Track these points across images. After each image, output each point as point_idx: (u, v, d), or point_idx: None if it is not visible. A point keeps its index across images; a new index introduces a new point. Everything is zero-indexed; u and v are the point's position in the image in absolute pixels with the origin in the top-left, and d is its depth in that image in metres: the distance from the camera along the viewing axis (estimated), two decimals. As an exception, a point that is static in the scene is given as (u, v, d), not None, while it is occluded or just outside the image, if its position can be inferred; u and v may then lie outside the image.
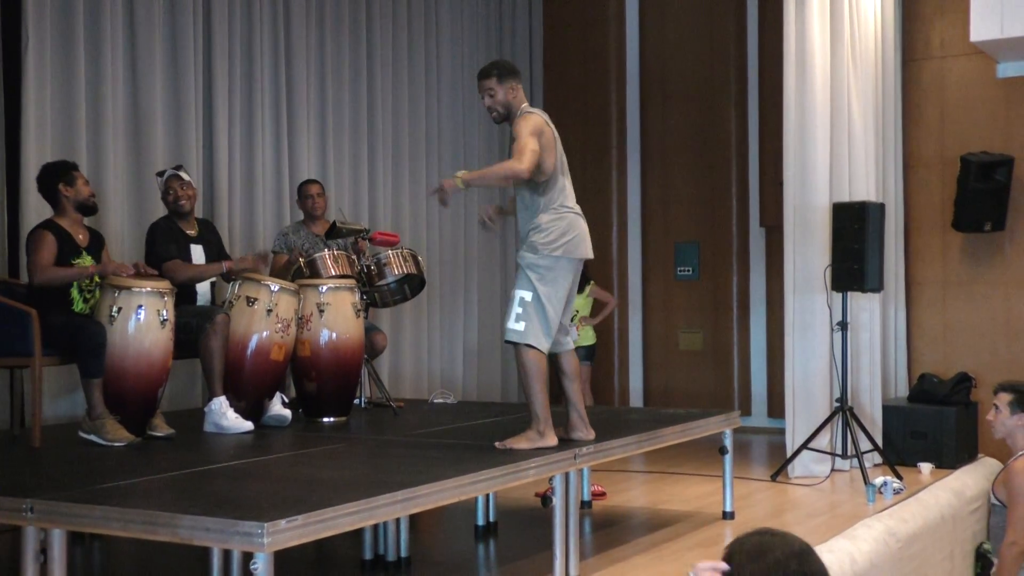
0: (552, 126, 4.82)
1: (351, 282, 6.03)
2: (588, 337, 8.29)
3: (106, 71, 6.47)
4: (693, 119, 9.71)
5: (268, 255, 6.33)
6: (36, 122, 6.08)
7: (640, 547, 5.32)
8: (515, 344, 4.71)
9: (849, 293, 6.99)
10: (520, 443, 4.70)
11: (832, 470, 6.95)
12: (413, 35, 8.80)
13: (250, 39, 7.41)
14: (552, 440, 4.76)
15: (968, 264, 8.19)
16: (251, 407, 5.51)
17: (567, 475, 4.63)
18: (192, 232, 5.92)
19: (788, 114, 7.09)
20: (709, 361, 9.61)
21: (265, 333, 5.53)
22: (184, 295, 5.61)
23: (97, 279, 5.22)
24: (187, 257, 5.82)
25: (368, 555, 4.95)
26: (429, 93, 8.96)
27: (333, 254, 6.15)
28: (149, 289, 5.05)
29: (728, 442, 5.88)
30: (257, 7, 7.44)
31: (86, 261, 5.25)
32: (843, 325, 6.93)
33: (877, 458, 7.14)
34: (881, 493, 6.28)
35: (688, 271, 9.74)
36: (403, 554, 4.98)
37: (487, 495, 5.58)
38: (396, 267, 6.47)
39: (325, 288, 5.86)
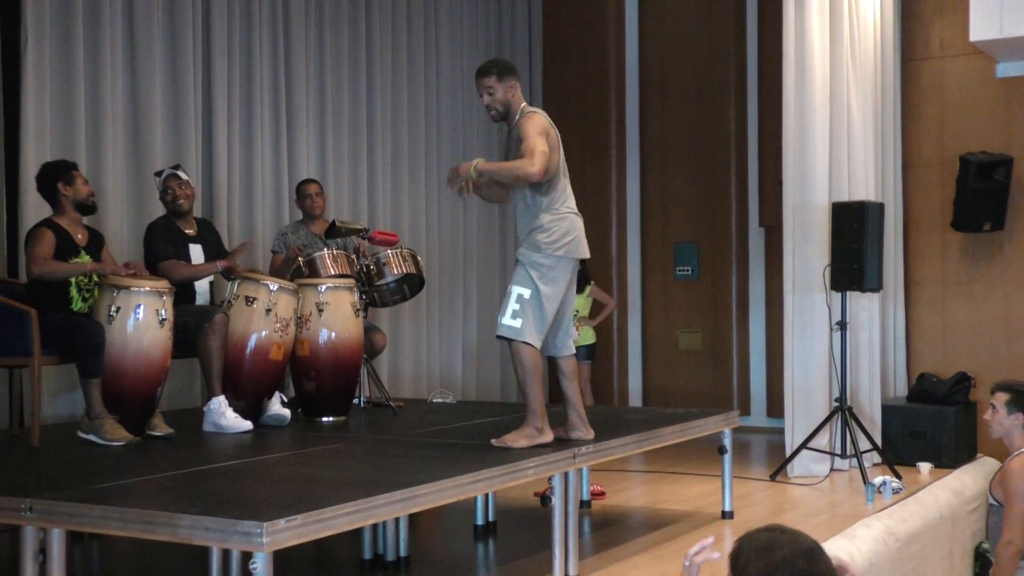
0: (554, 126, 4.83)
1: (350, 282, 6.03)
2: (588, 337, 8.31)
3: (105, 71, 6.47)
4: (692, 119, 9.70)
5: (251, 242, 6.29)
6: (35, 122, 6.08)
7: (639, 547, 5.32)
8: (510, 340, 4.72)
9: (848, 293, 6.99)
10: (517, 440, 4.70)
11: (831, 470, 6.96)
12: (412, 35, 8.79)
13: (249, 39, 7.40)
14: (548, 436, 4.77)
15: (967, 264, 8.19)
16: (250, 407, 5.50)
17: (566, 475, 4.63)
18: (191, 231, 5.91)
19: (787, 114, 7.09)
20: (708, 361, 9.60)
21: (264, 332, 5.52)
22: (183, 294, 5.61)
23: (96, 278, 5.21)
24: (186, 257, 5.82)
25: (367, 555, 4.95)
26: (428, 93, 8.95)
27: (332, 253, 6.15)
28: (148, 288, 5.04)
29: (727, 442, 5.88)
30: (256, 7, 7.44)
31: (84, 260, 5.24)
32: (842, 325, 6.93)
33: (876, 458, 7.14)
34: (880, 493, 6.29)
35: (687, 271, 9.73)
36: (402, 554, 4.98)
37: (486, 495, 5.58)
38: (395, 267, 6.47)
39: (324, 287, 5.86)
